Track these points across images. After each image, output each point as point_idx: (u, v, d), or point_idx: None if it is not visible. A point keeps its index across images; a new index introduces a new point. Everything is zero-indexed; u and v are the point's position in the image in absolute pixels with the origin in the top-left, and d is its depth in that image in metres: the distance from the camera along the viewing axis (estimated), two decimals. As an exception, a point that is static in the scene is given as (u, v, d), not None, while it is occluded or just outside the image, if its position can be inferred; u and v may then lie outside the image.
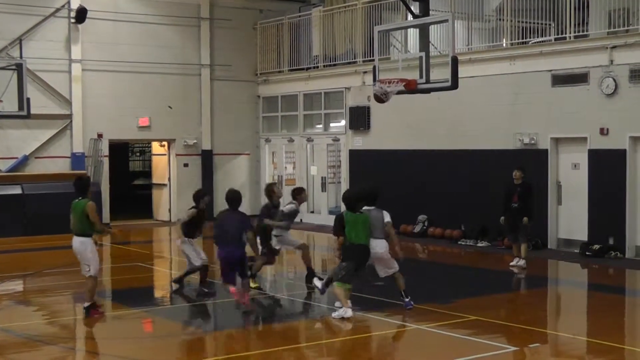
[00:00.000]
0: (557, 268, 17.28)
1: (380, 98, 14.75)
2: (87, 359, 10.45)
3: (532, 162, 18.31)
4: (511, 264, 16.20)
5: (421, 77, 14.66)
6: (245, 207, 17.05)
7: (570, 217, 18.54)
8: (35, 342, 10.84)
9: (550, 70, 18.62)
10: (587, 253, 17.54)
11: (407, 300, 12.41)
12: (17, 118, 21.70)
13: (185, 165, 26.46)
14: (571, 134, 18.33)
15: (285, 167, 26.83)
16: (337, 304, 12.01)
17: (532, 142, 18.89)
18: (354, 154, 23.87)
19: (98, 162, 24.53)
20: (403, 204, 20.45)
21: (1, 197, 22.14)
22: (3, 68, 21.60)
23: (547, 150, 18.69)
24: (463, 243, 19.96)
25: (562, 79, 18.46)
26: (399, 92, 14.59)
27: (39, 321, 12.52)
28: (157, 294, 15.66)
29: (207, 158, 26.66)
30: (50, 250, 19.70)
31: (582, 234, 18.12)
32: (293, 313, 13.09)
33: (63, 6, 24.09)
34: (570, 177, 18.52)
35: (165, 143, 26.73)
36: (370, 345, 10.98)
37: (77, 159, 24.26)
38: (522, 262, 15.99)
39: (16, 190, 22.47)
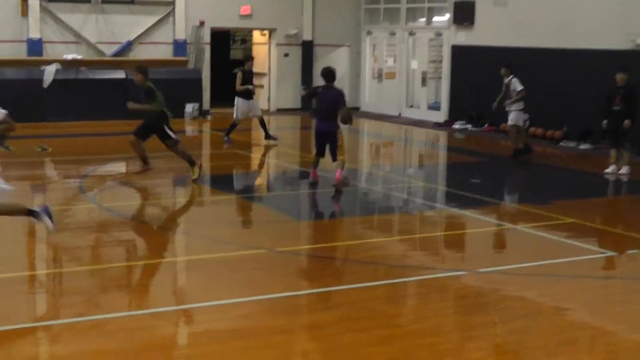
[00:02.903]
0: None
1: None
2: (182, 239, 10.70)
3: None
4: (606, 170, 15.59)
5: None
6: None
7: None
8: (135, 222, 11.19)
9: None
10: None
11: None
12: (122, 3, 21.91)
13: (286, 55, 26.39)
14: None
15: (386, 60, 26.48)
16: None
17: (646, 43, 18.07)
18: (457, 50, 23.36)
19: (200, 49, 24.70)
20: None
21: (105, 81, 22.58)
22: (109, -48, 21.69)
23: (661, 52, 17.87)
24: (565, 144, 19.51)
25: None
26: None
27: (139, 202, 12.89)
28: (254, 181, 15.88)
29: (307, 48, 26.50)
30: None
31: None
32: (389, 206, 13.09)
33: None
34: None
35: (266, 32, 26.65)
36: (464, 241, 10.94)
37: (179, 46, 24.47)
38: (625, 169, 15.48)
39: (120, 75, 22.86)
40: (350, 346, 6.72)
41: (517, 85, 16.82)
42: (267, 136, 18.66)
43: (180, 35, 24.44)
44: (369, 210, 12.80)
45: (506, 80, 16.99)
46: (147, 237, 10.62)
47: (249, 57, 19.08)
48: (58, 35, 23.17)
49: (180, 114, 23.10)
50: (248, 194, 13.75)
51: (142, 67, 14.34)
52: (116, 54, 23.68)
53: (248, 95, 18.33)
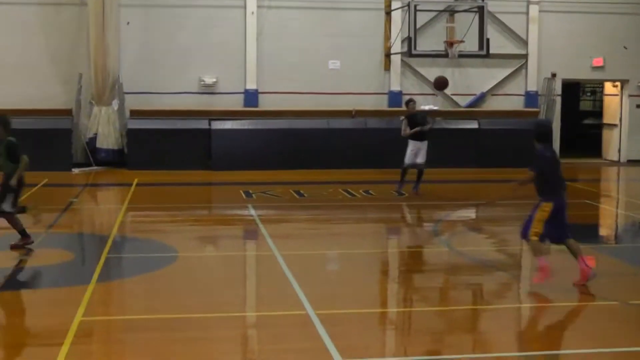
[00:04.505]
0: None
1: None
2: (529, 286, 10.69)
3: None
4: None
5: None
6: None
7: None
8: (485, 267, 11.78)
9: None
10: None
11: None
12: (477, 57, 23.10)
13: (638, 106, 25.98)
14: None
15: None
16: None
17: None
18: None
19: (551, 101, 25.14)
20: None
21: (459, 131, 23.85)
22: (466, 10, 22.99)
23: None
24: None
25: None
26: None
27: (488, 248, 13.57)
28: (603, 231, 15.94)
29: (662, 99, 25.91)
30: (501, 182, 20.68)
31: None
32: None
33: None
34: None
35: (618, 83, 26.42)
36: None
37: (530, 98, 25.13)
38: None
39: (473, 125, 24.05)
40: None
41: None
42: (416, 186, 18.11)
43: (532, 86, 25.11)
44: None
45: None
46: (494, 282, 11.09)
47: (409, 100, 18.59)
48: (417, 87, 24.83)
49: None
50: (597, 244, 13.67)
51: (2, 117, 11.59)
52: (470, 105, 24.86)
53: (418, 136, 17.97)
